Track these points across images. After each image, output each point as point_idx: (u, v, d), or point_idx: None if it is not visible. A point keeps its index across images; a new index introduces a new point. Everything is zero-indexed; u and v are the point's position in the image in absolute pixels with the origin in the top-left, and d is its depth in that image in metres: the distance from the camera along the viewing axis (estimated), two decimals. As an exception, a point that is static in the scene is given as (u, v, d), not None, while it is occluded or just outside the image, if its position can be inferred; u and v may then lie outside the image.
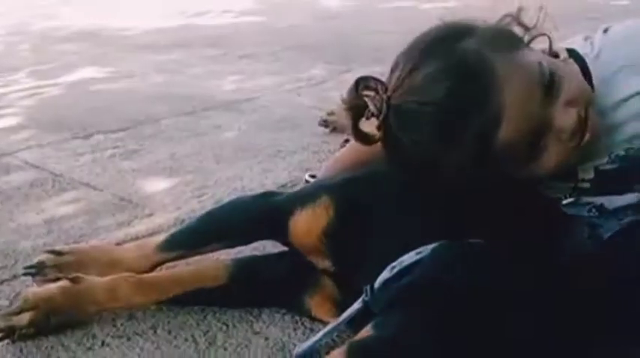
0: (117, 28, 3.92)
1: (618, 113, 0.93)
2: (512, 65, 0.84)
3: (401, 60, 0.89)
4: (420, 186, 0.94)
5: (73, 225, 1.42)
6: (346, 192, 1.04)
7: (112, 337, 1.04)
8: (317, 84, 2.49)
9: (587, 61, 0.94)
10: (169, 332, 1.05)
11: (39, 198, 1.56)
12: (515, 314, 0.84)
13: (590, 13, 3.38)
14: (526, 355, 0.83)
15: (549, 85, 0.85)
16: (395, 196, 0.99)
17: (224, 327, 1.06)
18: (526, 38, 0.91)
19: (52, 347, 1.02)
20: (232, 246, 1.19)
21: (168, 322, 1.07)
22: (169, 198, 1.53)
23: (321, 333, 0.95)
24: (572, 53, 0.94)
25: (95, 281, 1.08)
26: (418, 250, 0.87)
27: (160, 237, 1.20)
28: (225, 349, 1.01)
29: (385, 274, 0.88)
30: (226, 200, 1.37)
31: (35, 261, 1.17)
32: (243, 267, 1.13)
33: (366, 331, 0.82)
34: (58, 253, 1.17)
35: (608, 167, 0.97)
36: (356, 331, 0.86)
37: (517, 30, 0.91)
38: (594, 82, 0.93)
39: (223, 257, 1.18)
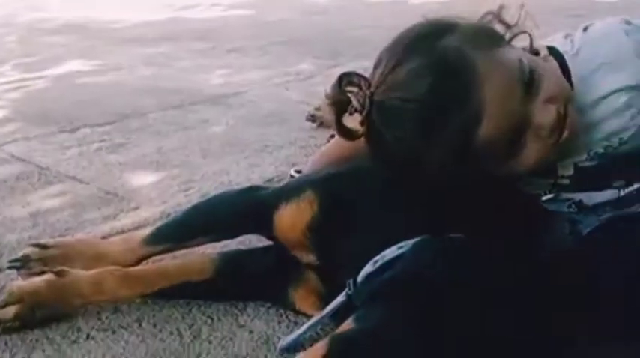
0: (105, 20, 3.90)
1: (597, 110, 0.94)
2: (492, 62, 0.85)
3: (384, 56, 0.90)
4: (403, 182, 0.95)
5: (58, 218, 1.42)
6: (330, 187, 1.05)
7: (97, 330, 1.05)
8: (305, 78, 2.49)
9: (567, 58, 0.95)
10: (154, 326, 1.06)
11: (25, 191, 1.56)
12: (495, 310, 0.85)
13: (576, 11, 3.40)
14: (506, 350, 0.85)
15: (529, 83, 0.86)
16: (378, 192, 1.00)
17: (209, 320, 1.07)
18: (507, 36, 0.92)
19: (37, 340, 1.03)
20: (218, 240, 1.20)
21: (154, 315, 1.08)
22: (156, 192, 1.54)
23: (305, 326, 0.96)
24: (552, 51, 0.95)
25: (80, 274, 1.08)
26: (400, 245, 0.89)
27: (146, 231, 1.21)
28: (210, 342, 1.02)
29: (368, 268, 0.89)
30: (212, 194, 1.38)
31: (20, 254, 1.17)
32: (229, 260, 1.14)
33: (348, 324, 0.83)
34: (44, 246, 1.18)
35: (587, 164, 0.98)
36: (339, 324, 0.87)
37: (498, 28, 0.92)
38: (573, 79, 0.94)
39: (209, 251, 1.19)
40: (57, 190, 1.56)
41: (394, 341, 0.80)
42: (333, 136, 1.34)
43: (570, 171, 0.98)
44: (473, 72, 0.83)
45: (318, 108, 1.88)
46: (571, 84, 0.94)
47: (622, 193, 1.00)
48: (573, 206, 1.02)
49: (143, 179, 1.62)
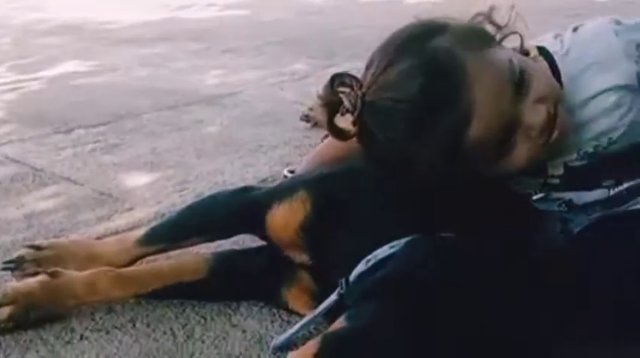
0: (101, 21, 3.90)
1: (586, 110, 0.95)
2: (482, 63, 0.85)
3: (376, 57, 0.91)
4: (395, 182, 0.96)
5: (53, 219, 1.42)
6: (323, 187, 1.05)
7: (91, 330, 1.05)
8: (300, 78, 2.49)
9: (557, 58, 0.96)
10: (148, 325, 1.06)
11: (19, 192, 1.56)
12: (486, 309, 0.86)
13: (575, 10, 3.40)
14: (497, 350, 0.85)
15: (519, 83, 0.86)
16: (371, 191, 1.01)
17: (202, 320, 1.07)
18: (498, 36, 0.92)
19: (30, 341, 1.03)
20: (212, 240, 1.20)
21: (147, 315, 1.08)
22: (150, 193, 1.54)
23: (298, 325, 0.97)
24: (541, 51, 0.96)
25: (74, 275, 1.08)
26: (392, 244, 0.89)
27: (140, 231, 1.21)
28: (203, 342, 1.02)
29: (360, 267, 0.90)
30: (207, 194, 1.38)
31: (15, 255, 1.17)
32: (223, 261, 1.14)
33: (340, 323, 0.84)
34: (38, 248, 1.18)
35: (577, 163, 0.99)
36: (332, 323, 0.87)
37: (489, 28, 0.92)
38: (563, 79, 0.94)
39: (203, 251, 1.20)
40: (51, 191, 1.57)
41: (385, 339, 0.80)
42: (326, 136, 1.34)
43: (560, 171, 0.99)
44: (463, 72, 0.83)
45: (312, 109, 1.89)
46: (561, 84, 0.94)
47: (612, 193, 1.00)
48: (563, 205, 1.02)
49: (137, 180, 1.62)
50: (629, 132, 0.96)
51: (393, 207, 0.98)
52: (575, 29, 0.99)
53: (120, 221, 1.41)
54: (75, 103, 2.25)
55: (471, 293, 0.86)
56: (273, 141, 1.82)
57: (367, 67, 0.91)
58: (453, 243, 0.90)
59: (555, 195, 1.02)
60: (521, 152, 0.89)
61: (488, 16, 0.93)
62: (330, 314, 0.91)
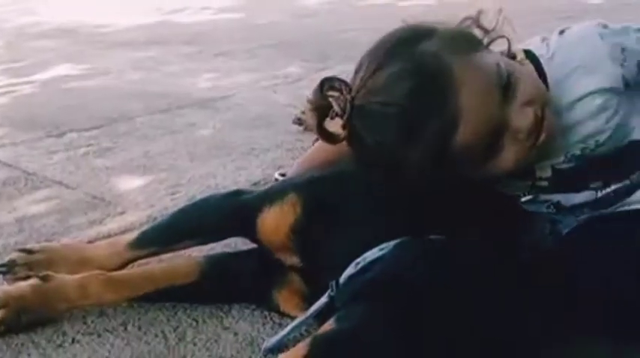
0: (95, 24, 3.90)
1: (572, 113, 0.96)
2: (469, 67, 0.86)
3: (364, 61, 0.91)
4: (385, 185, 0.96)
5: (44, 223, 1.42)
6: (314, 190, 1.06)
7: (83, 334, 1.05)
8: (293, 81, 2.50)
9: (542, 62, 0.96)
10: (139, 329, 1.06)
11: (11, 196, 1.56)
12: (475, 311, 0.86)
13: (567, 13, 3.42)
14: (486, 351, 0.86)
15: (506, 87, 0.87)
16: (361, 194, 1.01)
17: (194, 323, 1.07)
18: (485, 40, 0.93)
19: (22, 345, 1.03)
20: (204, 243, 1.21)
21: (139, 318, 1.09)
22: (142, 196, 1.54)
23: (289, 327, 0.97)
24: (528, 54, 0.97)
25: (66, 279, 1.09)
26: (381, 246, 0.90)
27: (132, 235, 1.22)
28: (195, 344, 1.02)
29: (350, 270, 0.90)
30: (199, 198, 1.38)
31: (6, 259, 1.17)
32: (214, 264, 1.14)
33: (329, 324, 0.84)
34: (29, 251, 1.18)
35: (564, 166, 0.99)
36: (323, 325, 0.88)
37: (477, 32, 0.93)
38: (549, 82, 0.95)
39: (195, 254, 1.20)
40: (43, 195, 1.57)
41: (374, 341, 0.81)
42: (317, 140, 1.35)
43: (548, 173, 1.00)
44: (450, 77, 0.84)
45: (304, 112, 1.89)
46: (547, 87, 0.95)
47: (599, 194, 1.01)
48: (552, 207, 1.03)
49: (130, 183, 1.62)
50: (615, 134, 0.97)
51: (383, 210, 0.98)
52: (561, 32, 1.00)
53: (112, 225, 1.41)
54: (67, 107, 2.25)
55: (459, 295, 0.86)
56: (266, 145, 1.83)
57: (356, 71, 0.92)
58: (441, 245, 0.91)
59: (543, 197, 1.02)
60: (509, 155, 0.89)
61: (476, 20, 0.93)
62: (321, 316, 0.92)
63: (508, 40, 0.94)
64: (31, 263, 1.16)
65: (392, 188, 0.96)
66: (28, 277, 1.11)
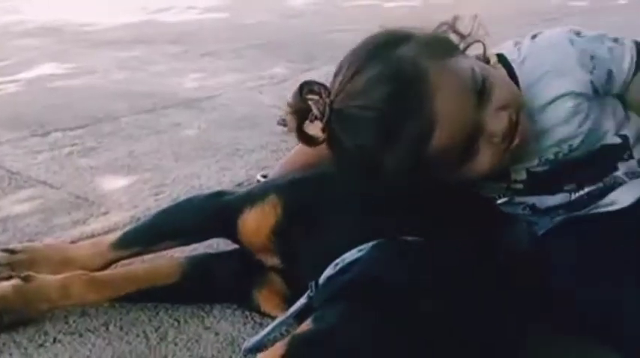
0: (80, 23, 3.88)
1: (545, 117, 0.97)
2: (445, 72, 0.87)
3: (343, 65, 0.93)
4: (364, 187, 0.98)
5: (28, 223, 1.42)
6: (295, 192, 1.07)
7: (64, 334, 1.06)
8: (279, 82, 2.51)
9: (514, 66, 0.98)
10: (121, 329, 1.07)
11: (-6, 196, 1.56)
12: (452, 312, 0.88)
13: (552, 14, 3.45)
14: (464, 352, 0.87)
15: (481, 91, 0.88)
16: (341, 196, 1.02)
17: (175, 323, 1.08)
18: (462, 45, 0.95)
19: (4, 345, 1.03)
20: (186, 244, 1.21)
21: (121, 318, 1.09)
22: (126, 197, 1.55)
23: (269, 327, 0.98)
24: (500, 58, 0.99)
25: (47, 279, 1.09)
26: (360, 247, 0.91)
27: (115, 235, 1.22)
28: (176, 344, 1.03)
29: (329, 271, 0.92)
30: (182, 198, 1.39)
31: (-12, 259, 1.18)
32: (196, 264, 1.15)
33: (307, 324, 0.85)
34: (12, 251, 1.18)
35: (539, 169, 1.01)
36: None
37: (453, 37, 0.95)
38: (520, 86, 0.97)
39: (177, 255, 1.21)
40: (27, 195, 1.57)
41: (351, 341, 0.82)
42: (300, 141, 1.36)
43: (523, 176, 1.02)
44: (425, 81, 0.85)
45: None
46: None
47: (573, 197, 1.03)
48: (527, 209, 1.05)
49: (114, 183, 1.63)
50: (588, 139, 0.99)
51: (362, 212, 1.00)
52: (533, 37, 1.02)
53: (95, 225, 1.41)
54: (52, 106, 2.24)
55: (438, 296, 0.87)
56: (250, 145, 1.84)
57: (335, 75, 0.93)
58: (420, 246, 0.92)
59: (519, 199, 1.04)
60: (484, 158, 0.91)
61: (452, 26, 0.95)
62: (301, 317, 0.93)
63: (483, 44, 0.96)
64: (13, 263, 1.16)
65: (370, 190, 0.97)
66: (10, 277, 1.11)
